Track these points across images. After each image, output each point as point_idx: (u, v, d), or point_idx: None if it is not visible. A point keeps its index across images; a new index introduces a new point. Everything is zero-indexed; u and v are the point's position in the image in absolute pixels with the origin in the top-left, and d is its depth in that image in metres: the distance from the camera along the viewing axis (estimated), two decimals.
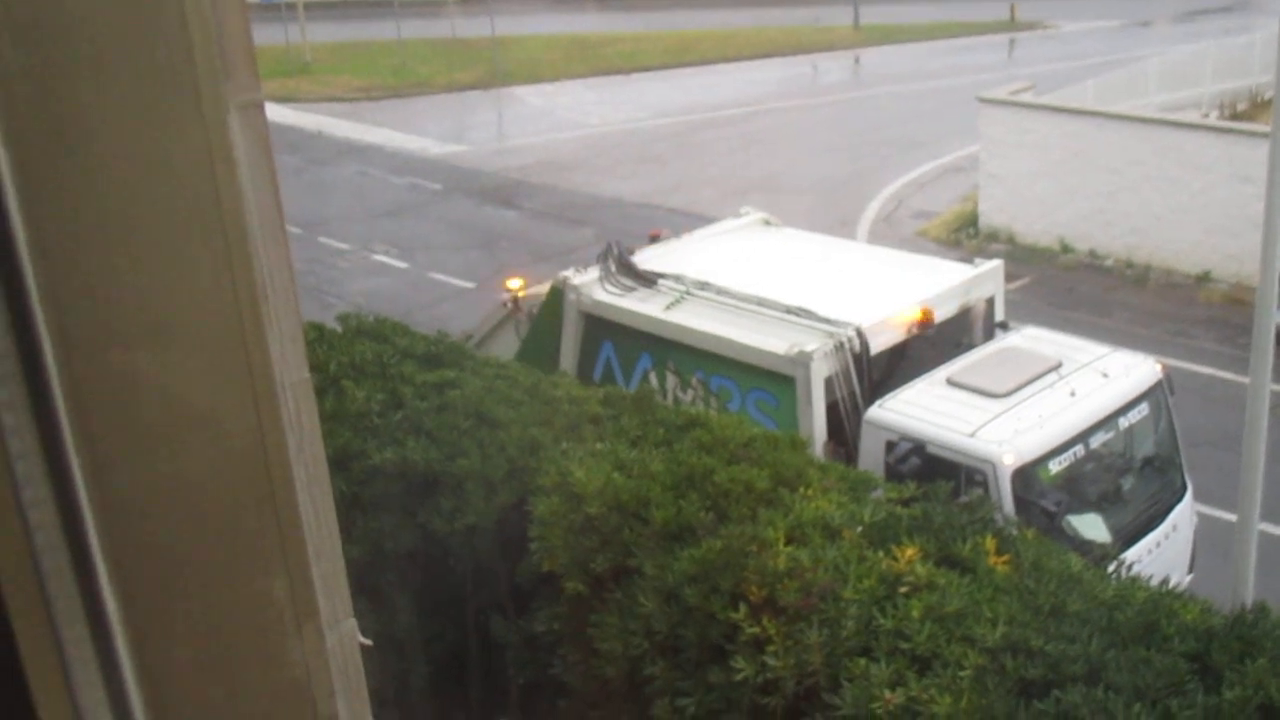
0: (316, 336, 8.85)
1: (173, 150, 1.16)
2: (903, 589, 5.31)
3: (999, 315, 12.16)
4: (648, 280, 12.23)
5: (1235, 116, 26.05)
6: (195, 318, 1.20)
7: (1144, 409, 10.71)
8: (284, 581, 1.30)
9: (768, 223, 14.08)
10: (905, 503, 6.43)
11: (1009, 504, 9.27)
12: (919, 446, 9.81)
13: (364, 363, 8.26)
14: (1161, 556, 10.48)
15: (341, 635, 1.41)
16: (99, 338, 1.18)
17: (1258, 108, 26.20)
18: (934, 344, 11.33)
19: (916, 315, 11.12)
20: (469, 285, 22.59)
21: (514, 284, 13.63)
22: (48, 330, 1.12)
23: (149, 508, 1.23)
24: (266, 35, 43.39)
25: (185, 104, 1.15)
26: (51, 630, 1.14)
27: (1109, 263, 22.09)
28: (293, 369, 1.27)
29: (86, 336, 1.17)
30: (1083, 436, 10.11)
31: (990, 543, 5.82)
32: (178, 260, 1.19)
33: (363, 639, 1.51)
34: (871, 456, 10.12)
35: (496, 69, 41.87)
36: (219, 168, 1.17)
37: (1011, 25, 46.61)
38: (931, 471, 9.22)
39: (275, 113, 36.74)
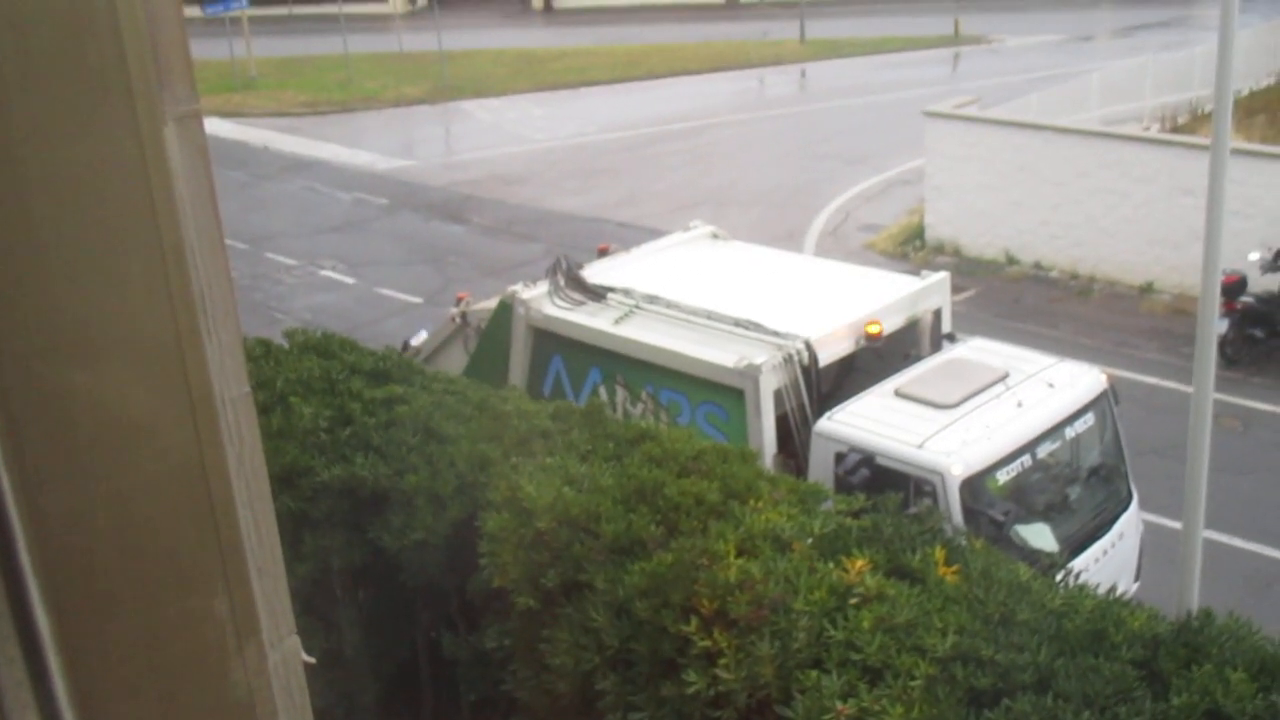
0: (263, 353, 8.77)
1: (106, 161, 1.14)
2: (853, 600, 5.32)
3: (946, 327, 12.24)
4: (597, 294, 12.22)
5: (1176, 129, 26.40)
6: (130, 331, 1.17)
7: (1090, 419, 10.81)
8: (225, 599, 1.27)
9: (716, 236, 14.12)
10: (855, 514, 6.44)
11: (958, 514, 9.32)
12: (868, 458, 9.85)
13: (311, 379, 8.20)
14: (1108, 565, 10.57)
15: (285, 653, 1.39)
16: (29, 352, 1.14)
17: (1198, 120, 26.55)
18: (882, 356, 11.40)
19: (864, 328, 11.18)
20: (417, 300, 22.50)
21: (462, 299, 13.60)
22: None
23: (83, 525, 1.20)
24: (211, 49, 43.13)
25: (119, 114, 1.13)
26: None
27: (1054, 274, 22.31)
28: (232, 383, 1.25)
29: (16, 351, 1.14)
30: (1030, 446, 10.19)
31: (939, 553, 5.83)
32: (111, 273, 1.16)
33: (306, 657, 1.49)
34: (821, 468, 10.15)
35: (444, 84, 41.79)
36: (155, 179, 1.15)
37: (956, 40, 47.03)
38: (881, 483, 9.26)
39: (221, 127, 36.53)
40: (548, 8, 61.86)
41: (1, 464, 1.15)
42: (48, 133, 1.10)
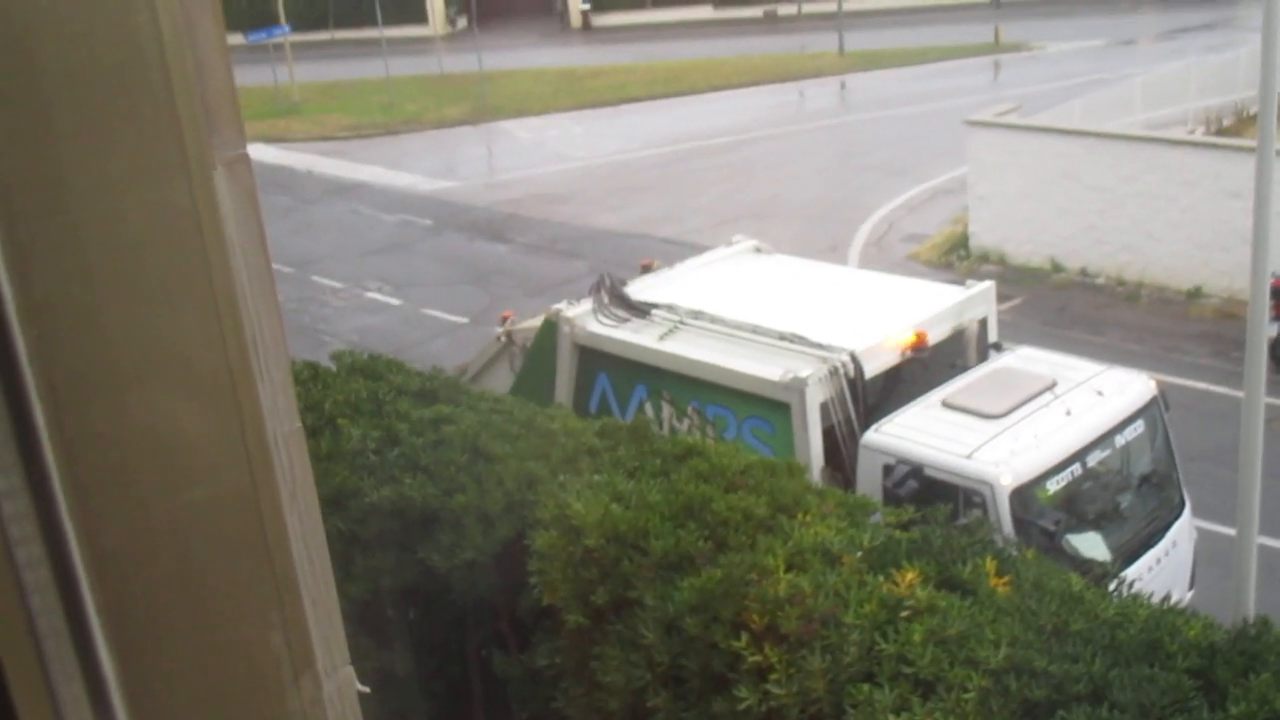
0: (311, 375, 8.85)
1: (160, 207, 1.17)
2: (904, 613, 5.30)
3: (992, 336, 12.17)
4: (641, 311, 12.24)
5: (1221, 132, 26.15)
6: (185, 370, 1.21)
7: (1140, 426, 10.71)
8: (280, 631, 1.30)
9: (759, 250, 14.11)
10: (904, 526, 6.43)
11: (1008, 525, 9.26)
12: (916, 469, 9.81)
13: (359, 400, 8.26)
14: (1162, 573, 10.47)
15: (339, 683, 1.41)
16: (89, 393, 1.18)
17: (1243, 122, 26.29)
18: (928, 367, 11.35)
19: (910, 338, 11.14)
20: (462, 320, 22.60)
21: (508, 318, 13.67)
22: (37, 387, 1.13)
23: (142, 562, 1.23)
24: (255, 76, 43.60)
25: (171, 161, 1.16)
26: (48, 690, 1.14)
27: (1100, 280, 22.14)
28: (284, 419, 1.28)
29: (76, 393, 1.17)
30: (1079, 455, 10.11)
31: (990, 564, 5.81)
32: (166, 314, 1.20)
33: (361, 687, 1.51)
34: (869, 480, 10.11)
35: (485, 104, 42.02)
36: (206, 223, 1.18)
37: (996, 47, 46.79)
38: (929, 494, 9.22)
39: (266, 153, 36.88)
40: (586, 26, 62.10)
41: (63, 500, 1.18)
42: (102, 180, 1.14)
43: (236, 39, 44.24)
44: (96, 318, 1.17)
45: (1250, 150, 12.29)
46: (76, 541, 1.17)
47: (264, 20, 46.91)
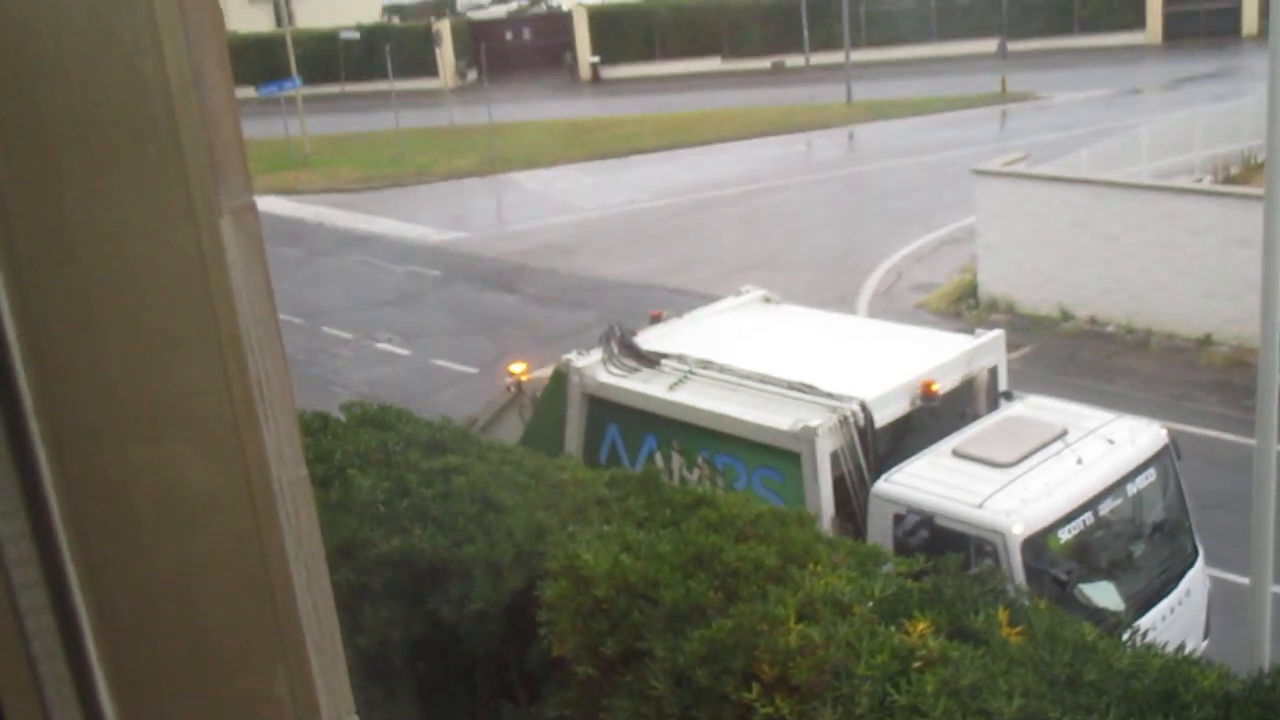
0: (321, 426, 8.85)
1: (165, 254, 1.18)
2: (916, 663, 5.26)
3: (1002, 385, 12.16)
4: (650, 361, 12.26)
5: (1229, 180, 26.21)
6: (189, 417, 1.21)
7: (1151, 474, 10.68)
8: (284, 680, 1.29)
9: (768, 300, 14.14)
10: (915, 576, 6.40)
11: (1020, 574, 9.21)
12: (927, 519, 9.78)
13: (369, 451, 8.26)
14: (1176, 622, 10.40)
15: None
16: (93, 441, 1.18)
17: (1250, 170, 26.36)
18: (938, 416, 11.33)
19: (920, 387, 11.13)
20: (472, 371, 22.64)
21: (517, 368, 13.67)
22: (41, 433, 1.14)
23: (145, 609, 1.23)
24: (267, 129, 43.93)
25: (177, 209, 1.17)
26: None
27: (1110, 329, 22.13)
28: (289, 466, 1.28)
29: (80, 439, 1.18)
30: (1091, 504, 10.08)
31: (1003, 614, 5.78)
32: (171, 361, 1.20)
33: None
34: (880, 530, 10.08)
35: (494, 156, 42.27)
36: (212, 271, 1.19)
37: (1003, 97, 47.04)
38: (941, 544, 9.18)
39: (277, 205, 37.11)
40: (596, 78, 62.53)
41: (66, 546, 1.18)
42: (108, 228, 1.15)
43: (248, 92, 44.70)
44: (101, 364, 1.18)
45: (1258, 198, 12.31)
46: (79, 588, 1.16)
47: (276, 74, 47.31)
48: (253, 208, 1.23)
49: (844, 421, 10.60)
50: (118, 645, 1.20)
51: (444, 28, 61.87)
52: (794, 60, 59.10)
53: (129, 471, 1.19)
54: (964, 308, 23.90)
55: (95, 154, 1.13)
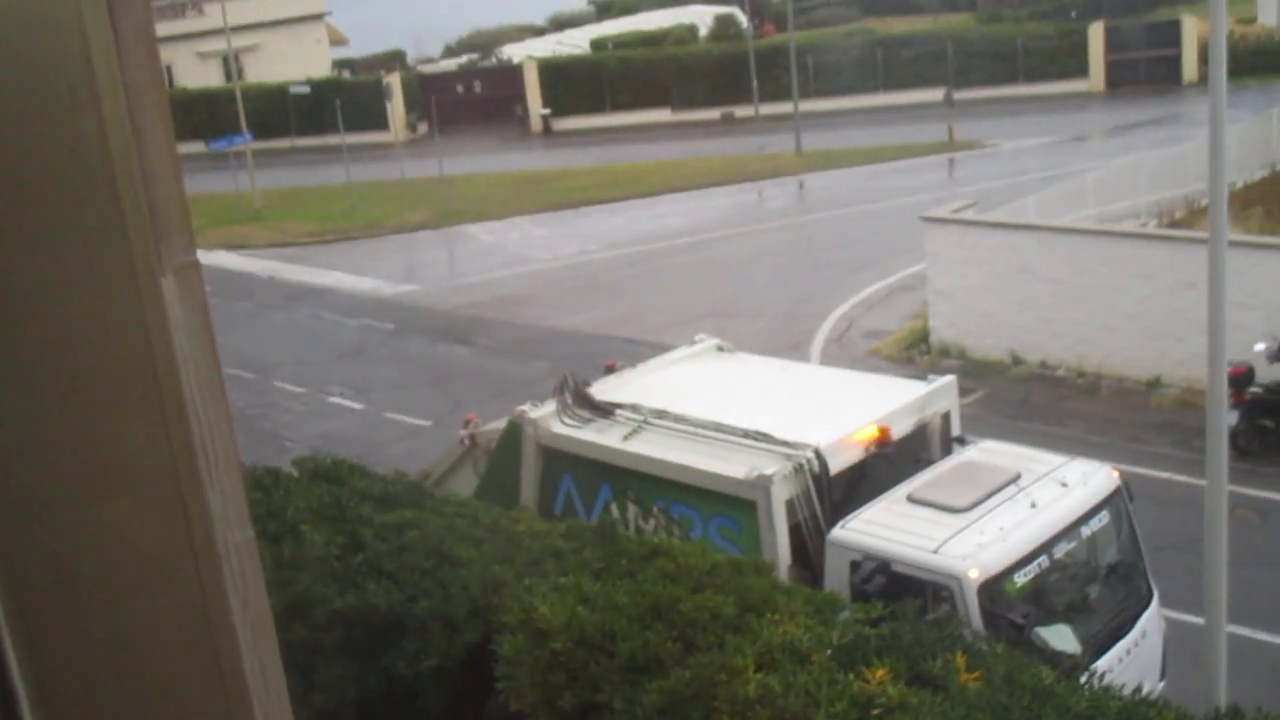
0: (273, 481, 8.78)
1: (106, 315, 1.16)
2: (875, 711, 5.25)
3: (955, 430, 12.22)
4: (605, 411, 12.24)
5: (1174, 224, 26.57)
6: (131, 483, 1.19)
7: (1104, 516, 10.75)
8: None
9: (721, 349, 14.17)
10: (873, 623, 6.39)
11: (977, 619, 9.22)
12: (883, 565, 9.78)
13: (322, 506, 8.19)
14: (1133, 664, 10.44)
15: None
16: (32, 505, 1.16)
17: (1194, 214, 26.73)
18: (893, 462, 11.37)
19: (874, 434, 11.17)
20: (425, 423, 22.52)
21: (470, 420, 13.63)
22: None
23: (86, 677, 1.20)
24: (217, 184, 43.75)
25: (117, 269, 1.15)
26: None
27: (1060, 372, 22.33)
28: (234, 528, 1.26)
29: (18, 504, 1.15)
30: (1046, 547, 10.12)
31: (960, 659, 5.78)
32: (112, 423, 1.18)
33: None
34: (836, 577, 10.07)
35: (446, 208, 42.26)
36: (153, 332, 1.17)
37: (950, 146, 47.54)
38: (897, 590, 9.18)
39: (227, 260, 36.93)
40: (547, 130, 62.75)
41: (2, 615, 1.15)
42: (47, 289, 1.13)
43: (197, 147, 44.50)
44: (39, 427, 1.15)
45: (1203, 241, 12.49)
46: (16, 659, 1.14)
47: (226, 129, 47.17)
48: (196, 266, 1.22)
49: (799, 469, 10.62)
50: (57, 714, 1.17)
51: (394, 81, 61.90)
52: (743, 111, 59.54)
53: (68, 536, 1.17)
54: (916, 354, 24.05)
55: (33, 214, 1.11)
